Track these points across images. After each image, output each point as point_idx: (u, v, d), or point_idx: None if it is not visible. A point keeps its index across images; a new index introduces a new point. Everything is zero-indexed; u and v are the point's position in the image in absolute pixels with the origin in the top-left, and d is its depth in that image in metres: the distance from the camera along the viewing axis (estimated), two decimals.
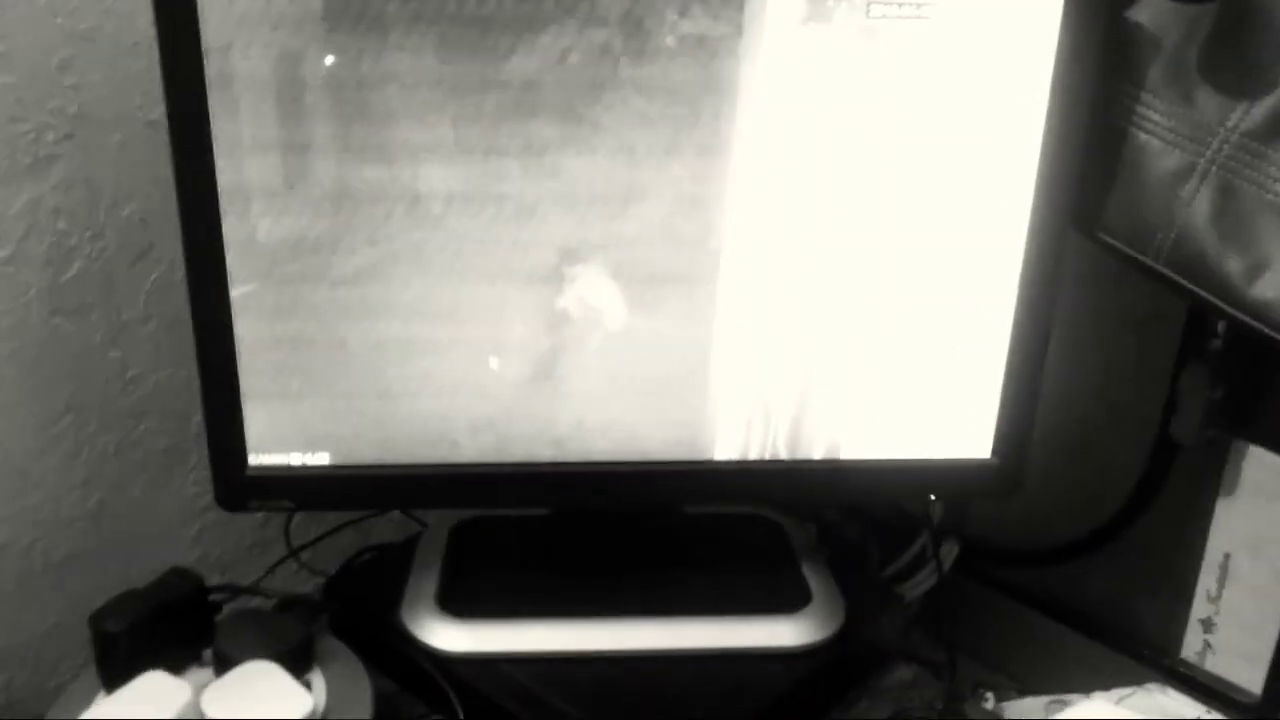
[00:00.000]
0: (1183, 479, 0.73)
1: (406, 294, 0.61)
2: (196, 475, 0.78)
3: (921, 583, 0.83)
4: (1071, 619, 0.80)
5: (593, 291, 0.61)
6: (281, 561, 0.76)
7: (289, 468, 0.64)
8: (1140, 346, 0.74)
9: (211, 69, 0.56)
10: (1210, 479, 0.73)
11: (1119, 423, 0.77)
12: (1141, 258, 0.62)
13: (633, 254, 0.61)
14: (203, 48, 0.55)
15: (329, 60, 0.56)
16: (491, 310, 0.62)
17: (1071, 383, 0.74)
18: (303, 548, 0.76)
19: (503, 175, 0.59)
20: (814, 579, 0.73)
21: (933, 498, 0.71)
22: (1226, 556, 0.74)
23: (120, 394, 0.74)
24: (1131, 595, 0.78)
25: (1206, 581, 0.75)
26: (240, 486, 0.64)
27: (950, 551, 0.82)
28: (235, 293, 0.60)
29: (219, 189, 0.58)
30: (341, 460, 0.64)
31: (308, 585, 0.79)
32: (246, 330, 0.61)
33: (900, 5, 0.58)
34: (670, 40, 0.57)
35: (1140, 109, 0.61)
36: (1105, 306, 0.76)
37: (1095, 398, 0.77)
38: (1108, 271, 0.70)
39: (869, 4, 0.58)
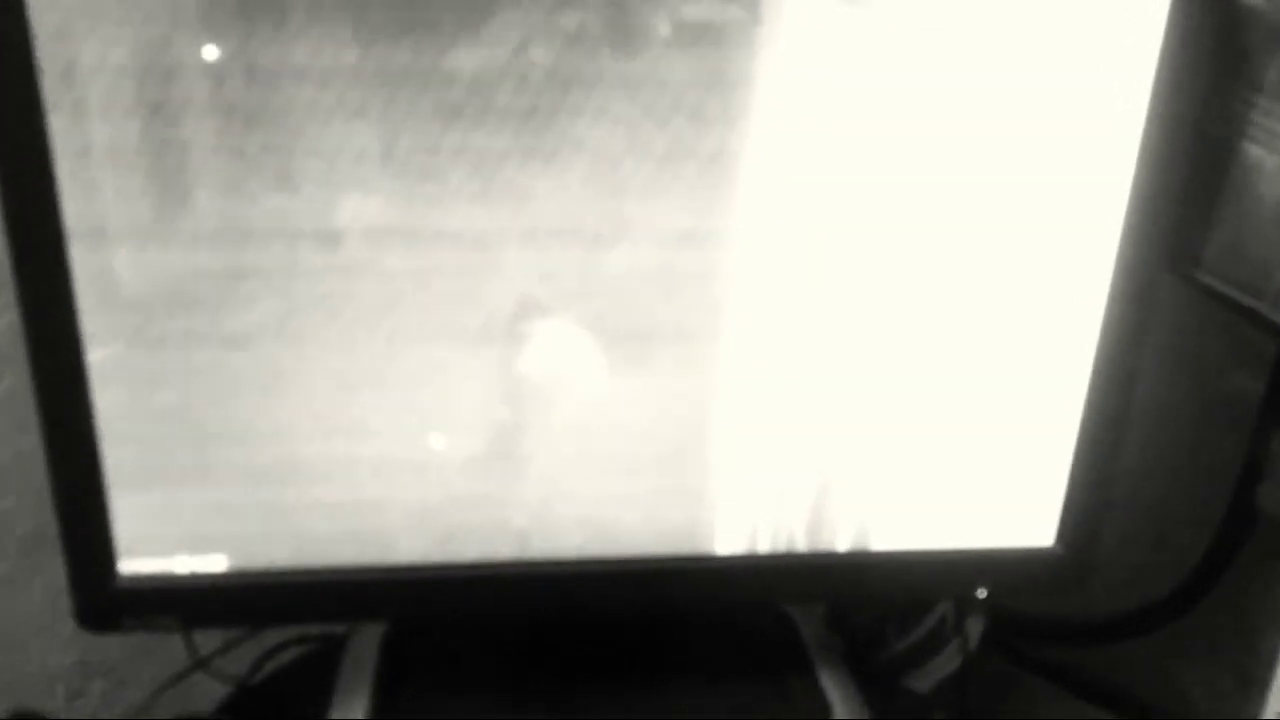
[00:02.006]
0: (1258, 552, 0.67)
1: (321, 356, 0.52)
2: None
3: (944, 664, 0.75)
4: (1116, 706, 0.75)
5: (562, 350, 0.54)
6: (182, 676, 0.64)
7: (172, 576, 0.55)
8: (1213, 397, 0.70)
9: (46, 63, 0.45)
10: None
11: (1185, 485, 0.73)
12: (1253, 303, 0.54)
13: (614, 302, 0.53)
14: (31, 34, 0.44)
15: (210, 53, 0.47)
16: (432, 375, 0.53)
17: (1134, 437, 0.66)
18: (209, 658, 0.64)
19: (446, 203, 0.50)
20: (831, 684, 0.63)
21: (981, 593, 0.60)
22: None
23: None
24: (1188, 683, 0.74)
25: None
26: (108, 601, 0.54)
27: (976, 626, 0.75)
28: (94, 356, 0.51)
29: (65, 224, 0.48)
30: (241, 565, 0.55)
31: (216, 694, 0.68)
32: (111, 403, 0.51)
33: None
34: (665, 27, 0.48)
35: (1256, 117, 0.52)
36: (1169, 347, 0.69)
37: (1156, 455, 0.72)
38: (1176, 305, 0.63)
39: None
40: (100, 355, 0.50)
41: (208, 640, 0.65)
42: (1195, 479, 0.70)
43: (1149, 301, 0.54)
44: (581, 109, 0.49)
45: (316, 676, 0.63)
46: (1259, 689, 0.69)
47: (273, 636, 0.70)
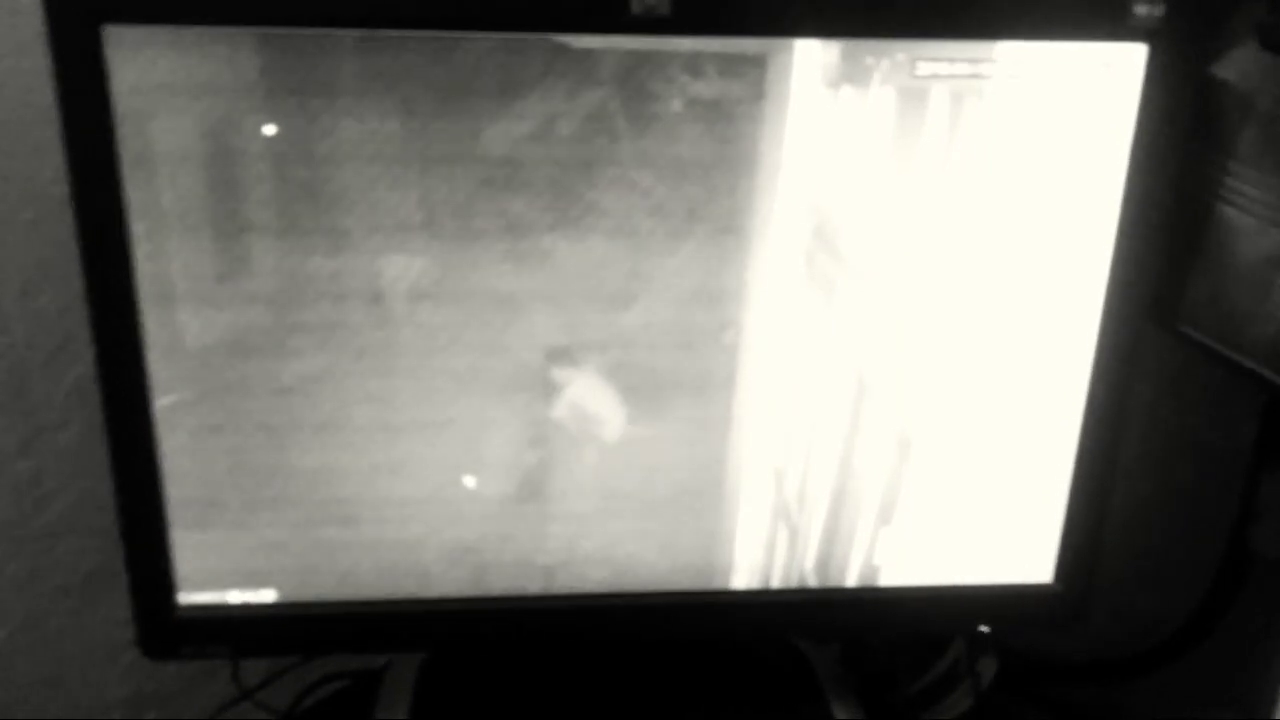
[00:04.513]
0: (1260, 591, 0.67)
1: (366, 404, 0.54)
2: (126, 600, 0.68)
3: (956, 704, 0.75)
4: None
5: (587, 398, 0.55)
6: (228, 706, 0.66)
7: (226, 607, 0.57)
8: (1208, 441, 0.69)
9: (126, 141, 0.48)
10: None
11: (1185, 526, 0.72)
12: (1232, 354, 0.55)
13: (635, 354, 0.55)
14: (114, 116, 0.48)
15: (269, 130, 0.49)
16: (467, 421, 0.55)
17: (1130, 481, 0.67)
18: (255, 690, 0.66)
19: (480, 264, 0.52)
20: (844, 717, 0.64)
21: (983, 629, 0.61)
22: None
23: (32, 512, 0.66)
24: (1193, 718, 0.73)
25: None
26: (168, 630, 0.57)
27: (988, 667, 0.74)
28: (159, 403, 0.53)
29: (137, 282, 0.51)
30: (290, 598, 0.57)
31: None
32: (173, 446, 0.54)
33: (952, 62, 0.50)
34: (679, 105, 0.50)
35: (1230, 181, 0.54)
36: (1168, 395, 0.70)
37: (1157, 497, 0.72)
38: (1172, 356, 0.65)
39: (915, 61, 0.50)
40: (166, 402, 0.53)
41: (251, 675, 0.66)
42: (1195, 522, 0.69)
43: (1133, 349, 0.56)
44: (602, 178, 0.51)
45: (355, 708, 0.65)
46: None
47: (314, 670, 0.71)
